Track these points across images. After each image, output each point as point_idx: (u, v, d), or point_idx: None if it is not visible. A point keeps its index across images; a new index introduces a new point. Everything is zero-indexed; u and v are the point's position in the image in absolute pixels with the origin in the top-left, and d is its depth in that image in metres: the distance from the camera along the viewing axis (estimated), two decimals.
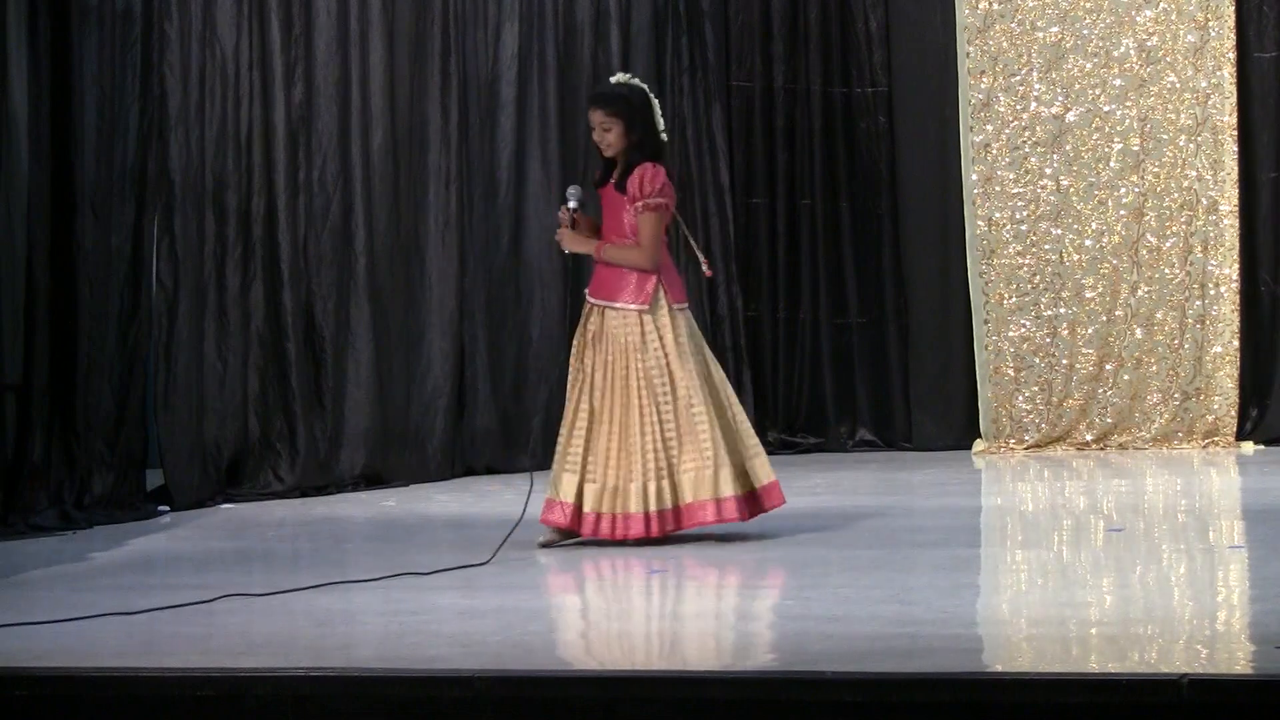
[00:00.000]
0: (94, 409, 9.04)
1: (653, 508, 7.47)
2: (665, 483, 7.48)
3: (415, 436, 10.63)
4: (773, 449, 11.76)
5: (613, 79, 7.98)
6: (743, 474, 7.64)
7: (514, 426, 10.98)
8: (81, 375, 8.99)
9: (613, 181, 7.67)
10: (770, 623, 5.91)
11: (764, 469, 7.69)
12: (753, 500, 7.66)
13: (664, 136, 7.78)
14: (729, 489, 7.52)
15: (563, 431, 7.66)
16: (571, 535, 7.61)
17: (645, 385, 7.53)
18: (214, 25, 9.85)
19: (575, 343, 7.73)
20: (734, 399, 7.85)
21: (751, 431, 7.80)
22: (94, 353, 9.06)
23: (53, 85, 8.89)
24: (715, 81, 11.86)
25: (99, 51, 9.10)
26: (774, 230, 11.99)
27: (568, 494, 7.56)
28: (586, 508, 7.53)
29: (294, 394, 10.09)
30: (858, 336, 11.95)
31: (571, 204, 7.76)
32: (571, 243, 7.72)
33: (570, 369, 7.72)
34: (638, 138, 7.64)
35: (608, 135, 7.64)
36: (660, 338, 7.58)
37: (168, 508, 9.33)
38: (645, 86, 7.80)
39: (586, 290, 7.78)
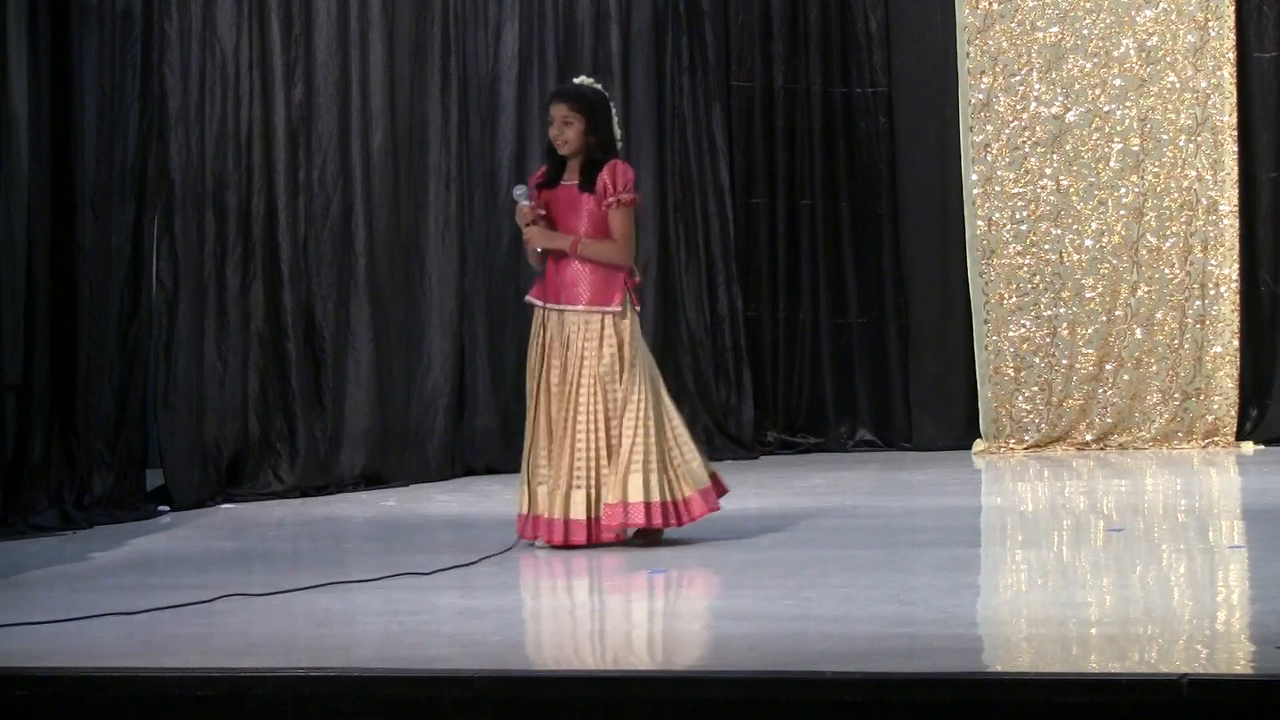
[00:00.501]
0: (94, 409, 9.04)
1: (579, 515, 7.46)
2: (594, 491, 7.47)
3: (415, 436, 10.63)
4: (773, 449, 11.82)
5: (575, 80, 7.90)
6: (666, 482, 7.55)
7: (514, 426, 10.97)
8: (81, 375, 8.99)
9: (574, 182, 7.60)
10: (770, 623, 5.90)
11: (687, 481, 7.57)
12: (671, 509, 7.56)
13: (619, 144, 7.74)
14: (639, 495, 7.42)
15: (537, 444, 7.58)
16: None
17: (598, 390, 7.47)
18: (214, 25, 9.85)
19: (532, 352, 7.61)
20: (670, 403, 7.69)
21: (681, 441, 7.63)
22: (94, 353, 9.06)
23: (53, 85, 8.89)
24: (715, 81, 11.86)
25: (99, 51, 9.10)
26: (774, 230, 11.99)
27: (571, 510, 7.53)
28: (557, 514, 7.50)
29: (294, 394, 10.09)
30: (858, 336, 11.95)
31: (520, 200, 7.59)
32: (543, 239, 7.57)
33: (528, 380, 7.62)
34: (597, 139, 7.60)
35: (567, 130, 7.57)
36: (619, 341, 7.52)
37: (168, 508, 9.33)
38: (605, 92, 7.79)
39: (534, 295, 7.63)
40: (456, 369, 10.80)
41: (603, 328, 7.51)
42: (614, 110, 7.76)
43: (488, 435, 10.91)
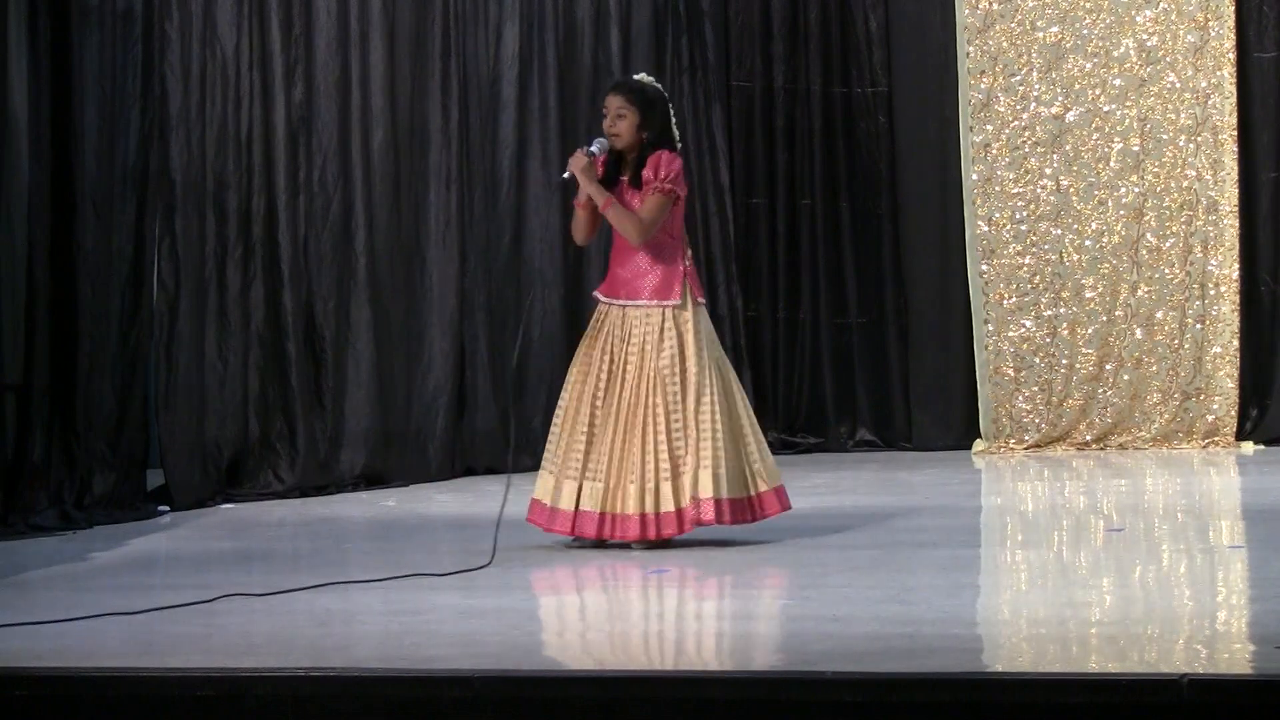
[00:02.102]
0: (94, 409, 9.04)
1: (649, 510, 7.43)
2: (667, 485, 7.44)
3: (415, 436, 10.63)
4: (773, 449, 11.76)
5: (637, 76, 7.89)
6: (740, 478, 7.55)
7: (514, 426, 10.95)
8: (82, 375, 8.99)
9: (625, 178, 7.61)
10: (770, 623, 5.90)
11: (762, 477, 7.59)
12: (745, 506, 7.58)
13: (679, 144, 7.72)
14: (709, 491, 7.42)
15: (564, 435, 7.61)
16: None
17: (657, 385, 7.48)
18: (214, 25, 9.85)
19: (585, 343, 7.62)
20: (743, 399, 7.72)
21: (758, 437, 7.66)
22: (95, 353, 9.06)
23: (53, 85, 8.89)
24: (715, 81, 11.87)
25: (99, 51, 9.10)
26: (774, 230, 12.00)
27: (569, 502, 7.52)
28: (586, 507, 7.49)
29: (294, 394, 10.09)
30: (858, 336, 11.95)
31: (594, 148, 7.54)
32: (586, 173, 7.50)
33: (576, 370, 7.63)
34: (651, 135, 7.58)
35: (620, 122, 7.55)
36: (680, 334, 7.51)
37: (168, 508, 9.33)
38: (664, 91, 7.80)
39: (600, 292, 7.67)
40: (457, 369, 10.80)
41: (663, 321, 7.52)
42: (670, 109, 7.72)
43: (488, 435, 10.91)
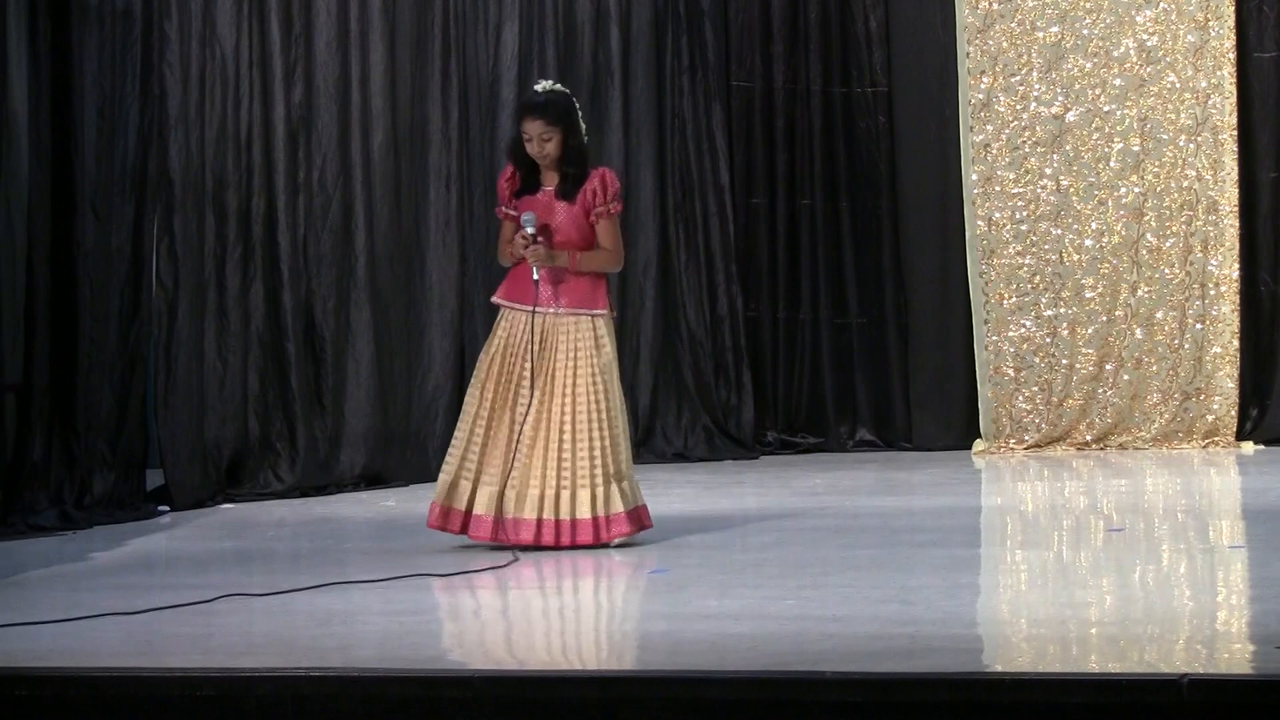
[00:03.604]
0: (94, 409, 9.04)
1: (600, 512, 7.47)
2: (614, 488, 7.48)
3: (415, 436, 10.63)
4: (773, 449, 11.82)
5: (538, 87, 7.78)
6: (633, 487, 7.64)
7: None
8: (82, 375, 8.99)
9: (552, 187, 7.61)
10: (770, 623, 5.90)
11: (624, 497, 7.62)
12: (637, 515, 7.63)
13: (585, 139, 7.72)
14: (619, 505, 7.51)
15: (471, 441, 7.57)
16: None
17: (593, 389, 7.50)
18: (214, 25, 9.85)
19: (497, 349, 7.58)
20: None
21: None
22: (94, 353, 9.06)
23: (53, 85, 8.89)
24: (715, 81, 11.86)
25: (99, 51, 9.10)
26: (774, 230, 11.99)
27: (489, 508, 7.52)
28: (527, 514, 7.48)
29: (294, 394, 10.09)
30: (858, 336, 11.95)
31: (530, 230, 7.54)
32: (546, 258, 7.54)
33: (488, 377, 7.57)
34: (573, 145, 7.60)
35: (547, 145, 7.55)
36: (606, 344, 7.57)
37: (168, 508, 9.34)
38: (566, 89, 7.78)
39: (504, 296, 7.63)
40: (457, 369, 10.80)
41: (595, 329, 7.54)
42: (577, 107, 7.73)
43: None
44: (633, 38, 11.62)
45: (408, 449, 10.59)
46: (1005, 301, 11.46)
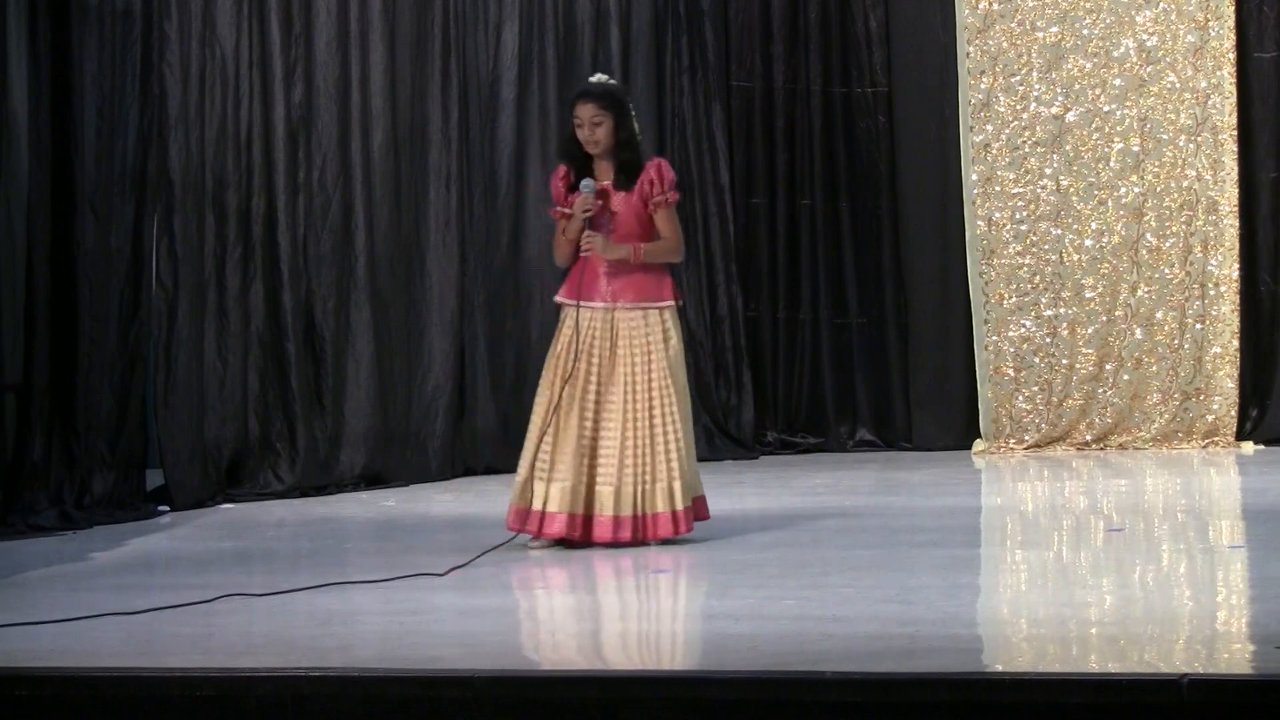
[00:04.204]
0: (94, 409, 9.04)
1: (678, 506, 7.48)
2: (680, 483, 7.49)
3: (415, 436, 10.63)
4: (773, 449, 11.82)
5: (594, 78, 7.87)
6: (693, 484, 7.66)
7: (514, 427, 10.97)
8: (81, 375, 8.99)
9: (607, 181, 7.61)
10: (770, 623, 5.90)
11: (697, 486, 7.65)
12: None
13: (639, 137, 7.74)
14: (684, 499, 7.53)
15: (542, 440, 7.55)
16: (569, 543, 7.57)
17: (669, 383, 7.51)
18: (214, 25, 9.85)
19: (564, 348, 7.58)
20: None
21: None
22: (94, 353, 9.06)
23: (53, 85, 8.89)
24: (715, 81, 11.86)
25: (99, 51, 9.10)
26: (774, 230, 11.99)
27: (563, 504, 7.51)
28: (607, 512, 7.48)
29: (294, 394, 10.09)
30: (858, 336, 11.95)
31: (588, 193, 7.49)
32: (608, 249, 7.54)
33: (556, 375, 7.58)
34: (625, 135, 7.61)
35: (598, 130, 7.56)
36: (673, 337, 7.58)
37: (168, 508, 9.33)
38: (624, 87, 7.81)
39: (567, 294, 7.63)
40: (456, 369, 10.80)
41: (663, 322, 7.56)
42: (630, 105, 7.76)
43: (488, 435, 10.90)
44: (633, 38, 11.62)
45: (408, 449, 10.59)
46: (1005, 301, 11.46)
